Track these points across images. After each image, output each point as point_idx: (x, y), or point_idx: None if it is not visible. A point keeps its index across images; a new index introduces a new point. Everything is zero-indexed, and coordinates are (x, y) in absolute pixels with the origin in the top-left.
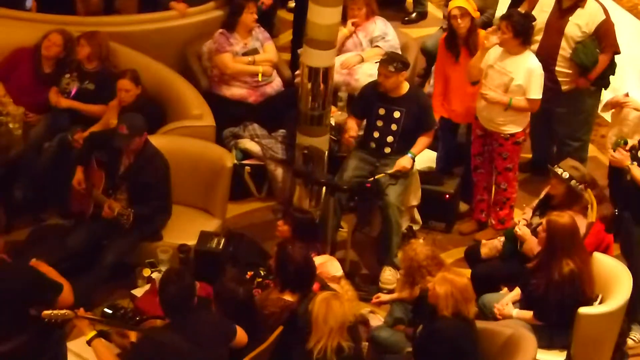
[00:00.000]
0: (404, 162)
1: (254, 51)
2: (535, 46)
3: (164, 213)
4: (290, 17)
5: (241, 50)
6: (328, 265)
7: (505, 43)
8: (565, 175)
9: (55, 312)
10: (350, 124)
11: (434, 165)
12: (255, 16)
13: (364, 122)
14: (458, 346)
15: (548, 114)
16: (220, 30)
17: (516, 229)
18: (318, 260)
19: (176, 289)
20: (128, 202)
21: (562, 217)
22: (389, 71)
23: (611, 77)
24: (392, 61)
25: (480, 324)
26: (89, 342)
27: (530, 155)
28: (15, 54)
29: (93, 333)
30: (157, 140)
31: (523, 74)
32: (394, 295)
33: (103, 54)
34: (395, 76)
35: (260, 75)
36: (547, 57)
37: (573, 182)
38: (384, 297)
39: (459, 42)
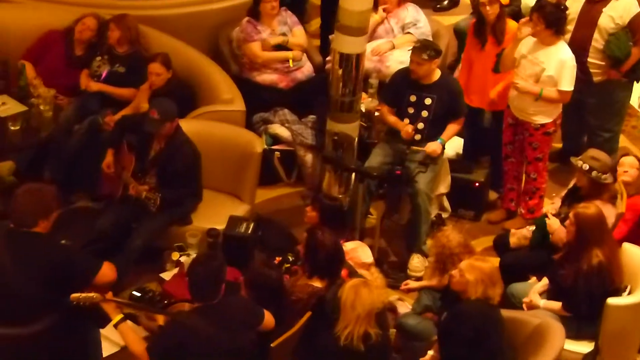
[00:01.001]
0: (433, 146)
1: (284, 37)
2: (568, 36)
3: (195, 197)
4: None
5: (269, 37)
6: (359, 251)
7: (538, 34)
8: (585, 167)
9: (83, 295)
10: (388, 114)
11: (461, 151)
12: (275, 4)
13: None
14: (481, 328)
15: (579, 104)
16: (247, 18)
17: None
18: (349, 246)
19: (205, 273)
20: (157, 186)
21: (589, 209)
22: (422, 59)
23: None
24: (425, 49)
25: (507, 313)
26: (115, 326)
27: (561, 145)
28: (47, 36)
29: (120, 317)
30: (187, 125)
31: (555, 65)
32: (423, 283)
33: (133, 37)
34: (428, 64)
35: (291, 60)
36: (579, 49)
37: (594, 173)
38: (413, 284)
39: (487, 30)
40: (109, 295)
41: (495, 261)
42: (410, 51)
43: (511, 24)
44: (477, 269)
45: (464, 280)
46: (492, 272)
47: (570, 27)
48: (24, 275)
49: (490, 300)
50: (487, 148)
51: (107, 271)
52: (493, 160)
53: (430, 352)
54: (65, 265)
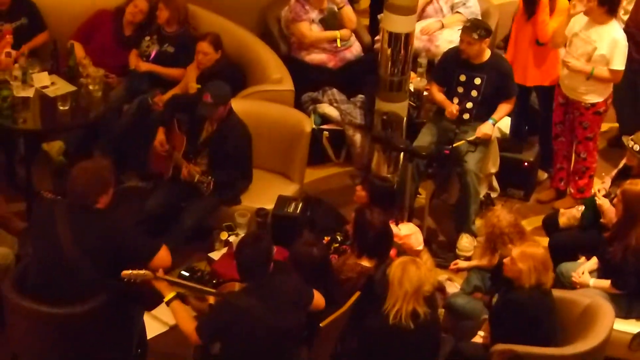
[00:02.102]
0: (485, 128)
1: (332, 16)
2: (627, 16)
3: (245, 179)
4: None
5: (317, 17)
6: (412, 238)
7: (590, 12)
8: (636, 147)
9: (134, 272)
10: (437, 92)
11: (507, 131)
12: None
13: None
14: (534, 317)
15: (633, 84)
16: None
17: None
18: (404, 230)
19: (253, 253)
20: (208, 167)
21: (637, 185)
22: (472, 38)
23: None
24: (475, 28)
25: (557, 293)
26: (167, 303)
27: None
28: (97, 16)
29: (172, 294)
30: (237, 104)
31: (607, 44)
32: (473, 263)
33: (181, 17)
34: (479, 43)
35: (338, 40)
36: (635, 29)
37: None
38: (462, 264)
39: (536, 2)
40: (160, 272)
41: (544, 241)
42: (460, 30)
43: (564, 2)
44: (529, 256)
45: (517, 269)
46: (544, 258)
47: (629, 8)
48: (81, 252)
49: (544, 286)
50: (535, 127)
51: (164, 255)
52: (541, 140)
53: (480, 333)
54: (125, 245)
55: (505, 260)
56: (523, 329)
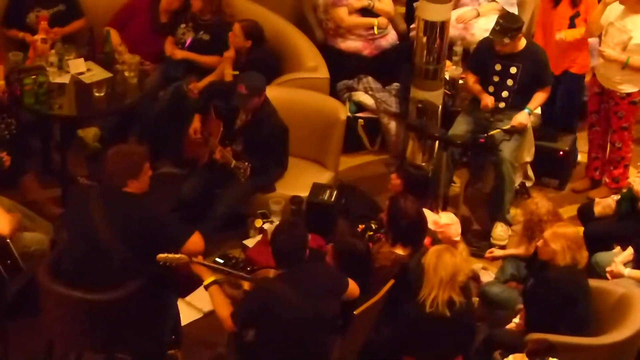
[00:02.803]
0: (520, 117)
1: (370, 1)
2: None
3: (280, 167)
4: None
5: (356, 2)
6: (452, 228)
7: (626, 1)
8: None
9: (170, 255)
10: (472, 82)
11: (538, 120)
12: None
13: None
14: (569, 294)
15: None
16: None
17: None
18: (445, 219)
19: (288, 240)
20: (243, 154)
21: None
22: (504, 43)
23: None
24: (505, 32)
25: (592, 283)
26: (206, 287)
27: None
28: (133, 3)
29: (212, 278)
30: (272, 92)
31: None
32: (509, 251)
33: (215, 6)
34: (512, 43)
35: (375, 27)
36: None
37: None
38: (498, 252)
39: None
40: (198, 257)
41: (579, 230)
42: (491, 35)
43: None
44: (561, 236)
45: (550, 250)
46: (576, 236)
47: None
48: (115, 236)
49: (578, 265)
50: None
51: (197, 240)
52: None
53: (515, 320)
54: (157, 228)
55: (538, 243)
56: (558, 308)
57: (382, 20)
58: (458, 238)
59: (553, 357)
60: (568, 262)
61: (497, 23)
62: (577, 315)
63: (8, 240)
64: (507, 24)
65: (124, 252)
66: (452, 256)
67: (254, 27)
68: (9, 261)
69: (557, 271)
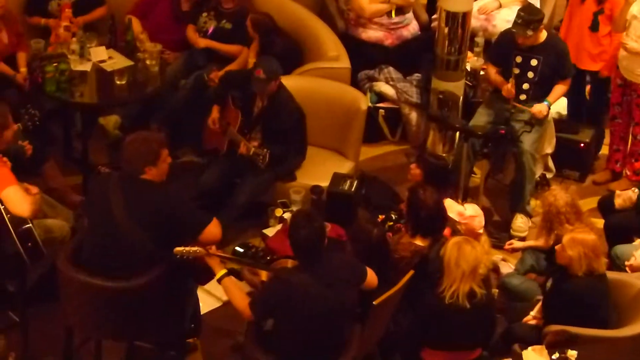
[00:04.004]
0: (540, 107)
1: None
2: None
3: (299, 155)
4: None
5: None
6: (476, 220)
7: None
8: None
9: (187, 248)
10: (493, 73)
11: (564, 112)
12: None
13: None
14: (589, 304)
15: None
16: None
17: None
18: (470, 211)
19: (306, 232)
20: (262, 142)
21: None
22: (527, 35)
23: None
24: (527, 25)
25: (611, 275)
26: (219, 280)
27: None
28: None
29: (223, 271)
30: (293, 81)
31: None
32: (528, 243)
33: None
34: (535, 35)
35: (393, 12)
36: None
37: None
38: (517, 244)
39: None
40: (213, 249)
41: (599, 223)
42: (513, 29)
43: None
44: (579, 243)
45: (567, 256)
46: (594, 245)
47: None
48: (134, 224)
49: (596, 272)
50: (588, 108)
51: (214, 228)
52: (594, 121)
53: (533, 313)
54: (176, 215)
55: (557, 247)
56: (577, 317)
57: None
58: (481, 230)
59: (572, 349)
60: (584, 269)
61: (518, 16)
62: (597, 319)
63: (30, 225)
64: (529, 17)
65: (143, 239)
66: (472, 248)
67: (262, 21)
68: (30, 243)
69: (576, 284)
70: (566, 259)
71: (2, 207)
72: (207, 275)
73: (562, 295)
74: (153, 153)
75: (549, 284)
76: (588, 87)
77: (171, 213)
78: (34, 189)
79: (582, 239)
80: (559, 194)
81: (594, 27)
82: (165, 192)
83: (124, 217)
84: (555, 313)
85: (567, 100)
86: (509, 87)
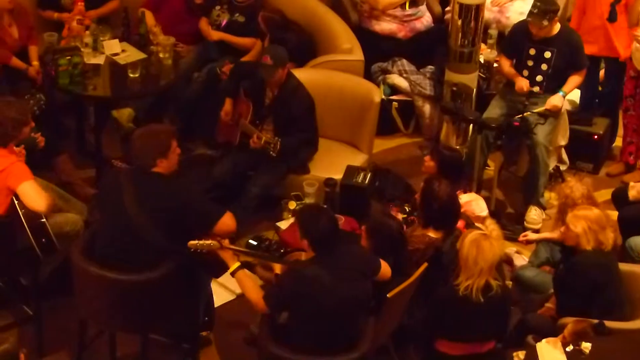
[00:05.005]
0: (555, 100)
1: None
2: None
3: (311, 146)
4: None
5: None
6: (473, 204)
7: None
8: None
9: (201, 242)
10: (506, 66)
11: (577, 101)
12: None
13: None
14: (597, 279)
15: None
16: None
17: None
18: (464, 198)
19: (318, 225)
20: (274, 132)
21: None
22: (543, 25)
23: None
24: (544, 15)
25: (626, 267)
26: (232, 274)
27: None
28: None
29: (237, 264)
30: (307, 74)
31: None
32: (543, 235)
33: None
34: (550, 26)
35: (407, 4)
36: None
37: None
38: (532, 236)
39: None
40: (226, 242)
41: (614, 215)
42: (529, 19)
43: None
44: (582, 218)
45: (573, 234)
46: (598, 217)
47: None
48: (147, 217)
49: (603, 246)
50: (603, 100)
51: (228, 220)
52: (608, 113)
53: (548, 304)
54: (189, 208)
55: (561, 229)
56: (587, 293)
57: None
58: (484, 213)
59: (587, 342)
60: (592, 244)
61: (534, 6)
62: (607, 299)
63: (44, 220)
64: (545, 6)
65: (156, 232)
66: (490, 245)
67: (273, 19)
68: (43, 239)
69: (583, 256)
70: (573, 238)
71: (17, 202)
72: (220, 268)
73: (570, 270)
74: (163, 145)
75: (560, 268)
76: (601, 73)
77: (184, 206)
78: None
79: (584, 214)
80: (575, 186)
81: (612, 17)
82: (178, 185)
83: (136, 211)
84: (564, 292)
85: (582, 89)
86: (521, 84)
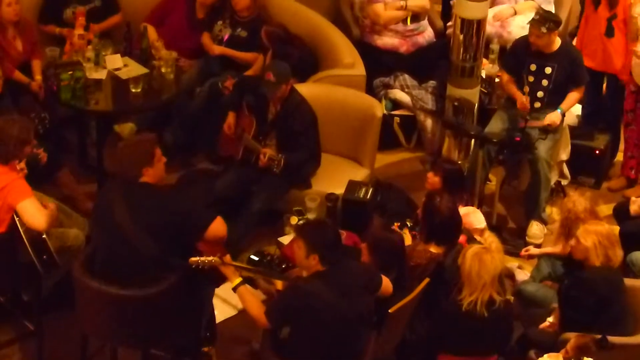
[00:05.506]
0: (553, 117)
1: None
2: None
3: (313, 161)
4: None
5: (392, 0)
6: (471, 217)
7: None
8: None
9: (202, 258)
10: (507, 82)
11: (579, 114)
12: None
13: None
14: (604, 295)
15: None
16: None
17: None
18: (461, 211)
19: (326, 237)
20: (277, 148)
21: None
22: (541, 32)
23: None
24: (544, 22)
25: (628, 282)
26: (234, 289)
27: None
28: None
29: (238, 280)
30: (308, 88)
31: None
32: (545, 249)
33: (258, 3)
34: (548, 36)
35: (409, 19)
36: None
37: None
38: (534, 250)
39: None
40: (227, 258)
41: (615, 230)
42: (529, 24)
43: None
44: (593, 232)
45: (583, 248)
46: (608, 233)
47: None
48: (140, 229)
49: (611, 263)
50: (605, 114)
51: (219, 225)
52: (610, 127)
53: (550, 319)
54: (179, 215)
55: (571, 242)
56: (593, 309)
57: (416, 9)
58: (481, 226)
59: (589, 357)
60: (601, 259)
61: (536, 13)
62: (613, 315)
63: (44, 236)
64: (547, 15)
65: (150, 244)
66: (492, 258)
67: (276, 33)
68: (45, 256)
69: (591, 272)
70: (582, 252)
71: (17, 219)
72: (221, 277)
73: (577, 284)
74: (147, 154)
75: (565, 282)
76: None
77: (175, 213)
78: (52, 205)
79: (595, 228)
80: (578, 200)
81: (609, 32)
82: (167, 193)
83: (128, 224)
84: (569, 307)
85: (584, 104)
86: (523, 101)
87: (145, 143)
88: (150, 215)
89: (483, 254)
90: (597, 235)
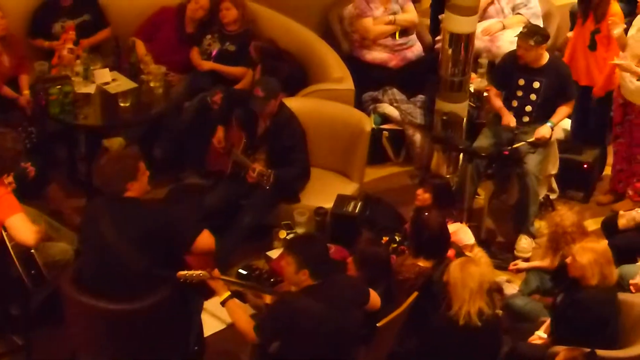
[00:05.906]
0: (543, 131)
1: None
2: None
3: (303, 176)
4: None
5: (382, 15)
6: (460, 233)
7: None
8: None
9: (190, 272)
10: (495, 98)
11: (568, 129)
12: None
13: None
14: (601, 316)
15: None
16: None
17: None
18: (450, 228)
19: (316, 251)
20: (267, 162)
21: None
22: (529, 45)
23: None
24: (532, 35)
25: (618, 296)
26: (222, 303)
27: None
28: (159, 13)
29: (227, 294)
30: (297, 103)
31: None
32: (533, 264)
33: (247, 17)
34: (535, 49)
35: (397, 34)
36: None
37: None
38: (522, 264)
39: (590, 6)
40: (216, 272)
41: (604, 243)
42: (517, 37)
43: (615, 7)
44: (589, 250)
45: (579, 265)
46: (604, 251)
47: None
48: (125, 244)
49: (607, 281)
50: (594, 128)
51: (206, 238)
52: (597, 141)
53: (538, 333)
54: (166, 228)
55: (568, 260)
56: (589, 329)
57: (405, 23)
58: (471, 242)
59: None
60: (597, 277)
61: (525, 26)
62: (608, 334)
63: (33, 251)
64: (535, 28)
65: (137, 258)
66: (476, 266)
67: (265, 48)
68: (33, 271)
69: (588, 293)
70: (578, 269)
71: (5, 234)
72: (211, 290)
73: (574, 305)
74: (131, 167)
75: (559, 299)
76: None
77: (161, 227)
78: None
79: (592, 246)
80: (566, 215)
81: (592, 46)
82: (153, 206)
83: (115, 239)
84: (565, 326)
85: (572, 118)
86: (508, 120)
87: (129, 158)
88: (136, 229)
89: (466, 263)
90: (593, 253)
